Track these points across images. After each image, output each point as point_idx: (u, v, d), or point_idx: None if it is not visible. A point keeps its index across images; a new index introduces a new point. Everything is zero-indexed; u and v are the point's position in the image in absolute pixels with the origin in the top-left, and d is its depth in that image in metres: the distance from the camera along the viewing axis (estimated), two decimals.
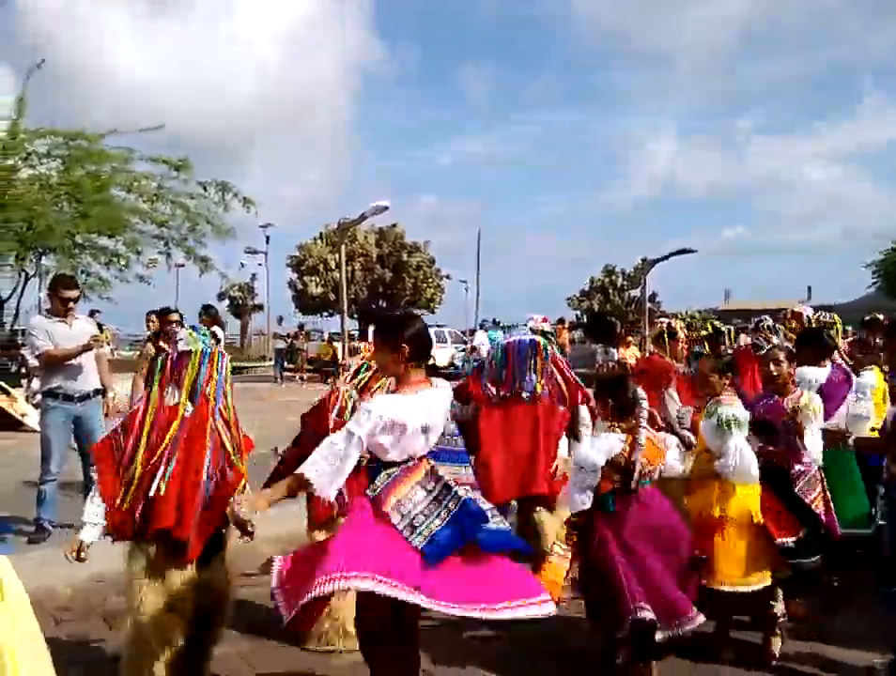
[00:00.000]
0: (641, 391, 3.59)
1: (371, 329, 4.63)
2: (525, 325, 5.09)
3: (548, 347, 4.72)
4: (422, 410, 2.77)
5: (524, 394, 4.58)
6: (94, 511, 2.98)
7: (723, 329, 6.22)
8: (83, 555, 2.96)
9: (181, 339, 3.12)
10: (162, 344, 6.00)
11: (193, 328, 3.26)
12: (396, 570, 2.50)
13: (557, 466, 4.52)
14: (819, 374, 4.73)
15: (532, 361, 4.62)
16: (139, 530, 2.97)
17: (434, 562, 2.58)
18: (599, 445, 3.47)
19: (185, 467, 2.98)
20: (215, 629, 3.23)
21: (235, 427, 3.19)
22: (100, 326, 5.79)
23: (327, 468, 2.67)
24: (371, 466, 2.81)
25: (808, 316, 5.84)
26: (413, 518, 2.66)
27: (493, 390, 4.65)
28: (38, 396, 10.72)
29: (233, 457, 3.11)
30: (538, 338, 4.73)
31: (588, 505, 3.44)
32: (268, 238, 35.16)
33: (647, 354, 5.74)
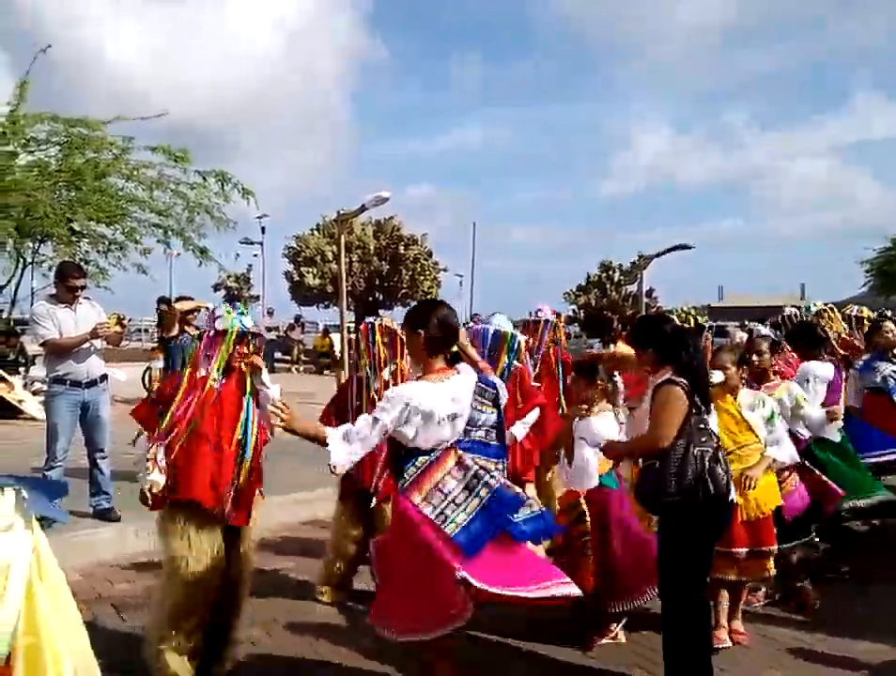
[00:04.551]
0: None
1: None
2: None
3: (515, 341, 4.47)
4: (448, 397, 2.79)
5: None
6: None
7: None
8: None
9: (219, 317, 3.20)
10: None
11: (232, 305, 3.33)
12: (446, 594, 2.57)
13: None
14: (825, 369, 4.80)
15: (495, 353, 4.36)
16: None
17: (471, 555, 2.60)
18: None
19: (211, 437, 3.07)
20: (238, 604, 3.33)
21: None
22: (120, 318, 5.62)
23: (346, 445, 2.71)
24: (400, 457, 2.82)
25: (853, 316, 5.98)
26: (445, 507, 2.68)
27: None
28: (37, 383, 10.76)
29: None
30: (503, 329, 4.49)
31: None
32: (263, 228, 35.00)
33: None
